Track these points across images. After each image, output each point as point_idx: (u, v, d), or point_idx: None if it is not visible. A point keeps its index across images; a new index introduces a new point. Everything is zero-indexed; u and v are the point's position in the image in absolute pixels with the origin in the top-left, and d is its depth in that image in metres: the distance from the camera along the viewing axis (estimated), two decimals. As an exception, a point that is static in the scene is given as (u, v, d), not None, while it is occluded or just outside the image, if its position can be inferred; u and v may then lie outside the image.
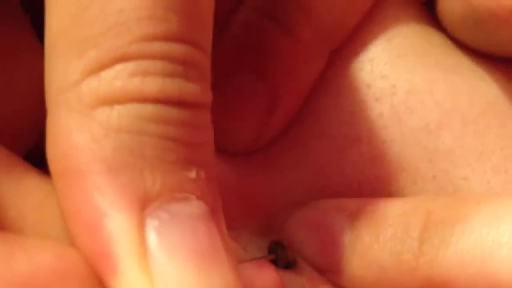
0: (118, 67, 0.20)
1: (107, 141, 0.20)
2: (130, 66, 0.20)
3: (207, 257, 0.20)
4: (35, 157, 0.23)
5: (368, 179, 0.28)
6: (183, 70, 0.21)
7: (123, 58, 0.20)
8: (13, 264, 0.19)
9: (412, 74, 0.30)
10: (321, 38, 0.29)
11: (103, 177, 0.20)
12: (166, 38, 0.21)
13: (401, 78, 0.29)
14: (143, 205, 0.20)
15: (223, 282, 0.20)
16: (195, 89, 0.21)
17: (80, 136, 0.20)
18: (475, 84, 0.30)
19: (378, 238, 0.26)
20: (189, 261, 0.19)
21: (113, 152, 0.20)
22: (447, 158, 0.28)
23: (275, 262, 0.26)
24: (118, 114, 0.20)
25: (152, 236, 0.19)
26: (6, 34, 0.25)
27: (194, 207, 0.20)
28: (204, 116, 0.22)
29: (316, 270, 0.27)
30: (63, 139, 0.20)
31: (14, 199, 0.22)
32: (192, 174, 0.21)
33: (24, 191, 0.22)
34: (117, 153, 0.20)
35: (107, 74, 0.20)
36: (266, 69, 0.28)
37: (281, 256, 0.27)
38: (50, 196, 0.22)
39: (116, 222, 0.20)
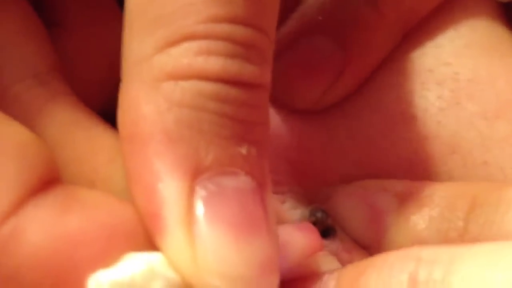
0: (185, 45, 0.22)
1: (170, 114, 0.22)
2: (196, 44, 0.22)
3: (248, 230, 0.21)
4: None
5: (419, 158, 0.29)
6: (244, 52, 0.22)
7: (190, 37, 0.22)
8: (66, 218, 0.21)
9: (476, 64, 0.30)
10: (400, 16, 0.30)
11: (162, 146, 0.22)
12: (231, 20, 0.22)
13: (464, 67, 0.30)
14: (195, 175, 0.22)
15: (259, 254, 0.21)
16: (254, 71, 0.22)
17: (147, 107, 0.22)
18: None
19: (424, 217, 0.27)
20: (229, 231, 0.21)
21: (173, 124, 0.22)
22: (500, 146, 0.29)
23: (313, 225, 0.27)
24: (181, 89, 0.22)
25: (199, 205, 0.21)
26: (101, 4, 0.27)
27: (241, 181, 0.22)
28: (261, 97, 0.23)
29: (358, 244, 0.28)
30: (132, 108, 0.22)
31: (89, 154, 0.24)
32: (244, 150, 0.22)
33: (99, 147, 0.24)
34: (177, 125, 0.22)
35: (175, 51, 0.22)
36: (344, 35, 0.30)
37: (320, 220, 0.28)
38: (120, 154, 0.23)
39: (169, 188, 0.21)
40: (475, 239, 0.25)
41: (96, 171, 0.24)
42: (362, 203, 0.28)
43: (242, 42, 0.22)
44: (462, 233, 0.26)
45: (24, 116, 0.24)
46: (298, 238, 0.25)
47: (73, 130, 0.25)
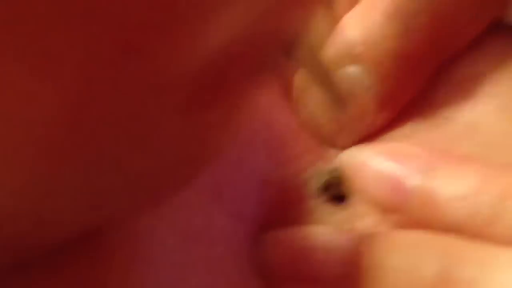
0: None
1: None
2: None
3: None
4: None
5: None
6: None
7: None
8: None
9: None
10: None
11: None
12: None
13: None
14: None
15: None
16: None
17: None
18: None
19: (453, 191, 0.24)
20: None
21: None
22: None
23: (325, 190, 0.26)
24: None
25: None
26: None
27: None
28: None
29: (375, 204, 0.26)
30: None
31: None
32: None
33: None
34: None
35: None
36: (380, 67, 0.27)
37: (335, 185, 0.26)
38: None
39: None
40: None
41: None
42: (388, 159, 0.26)
43: None
44: (498, 210, 0.24)
45: None
46: None
47: None
